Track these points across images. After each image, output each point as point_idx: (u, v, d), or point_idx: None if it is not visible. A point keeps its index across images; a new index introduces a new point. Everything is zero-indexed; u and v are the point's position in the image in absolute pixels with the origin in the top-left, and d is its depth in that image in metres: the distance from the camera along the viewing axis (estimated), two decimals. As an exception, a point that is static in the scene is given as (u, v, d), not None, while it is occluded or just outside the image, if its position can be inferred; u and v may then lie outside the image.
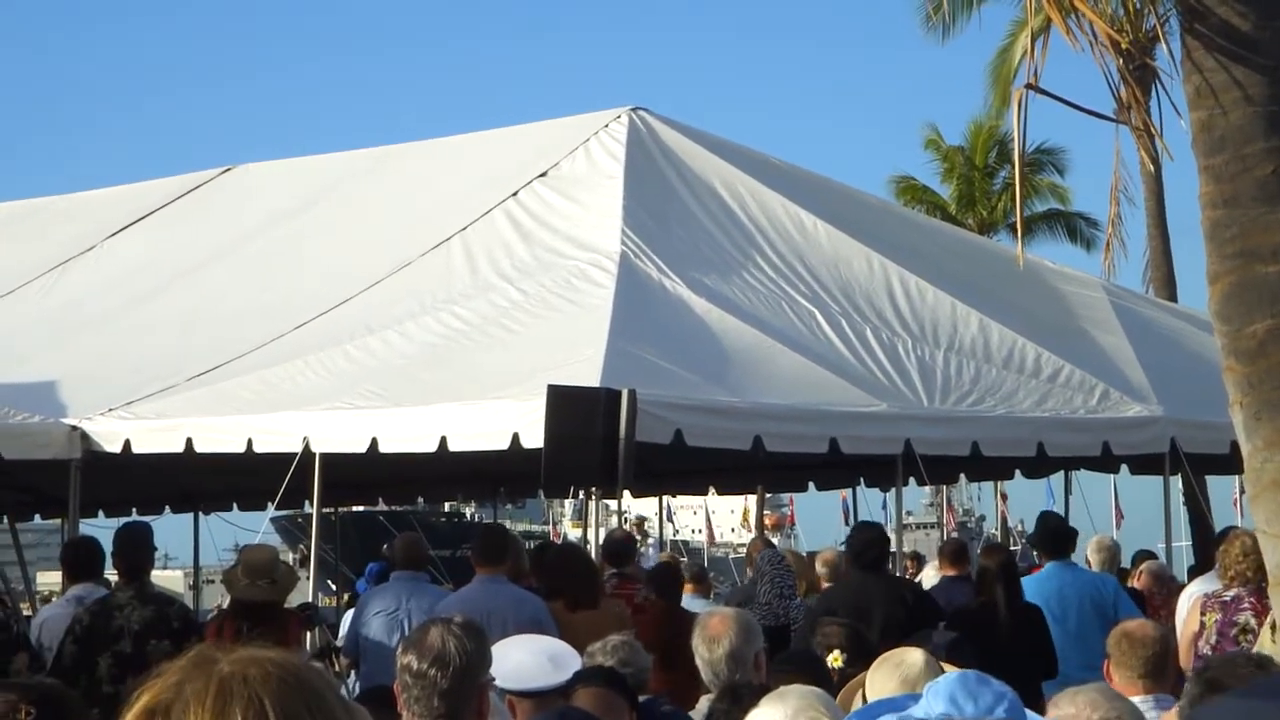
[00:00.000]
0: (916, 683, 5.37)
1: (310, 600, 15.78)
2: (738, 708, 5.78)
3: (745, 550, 17.63)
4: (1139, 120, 8.09)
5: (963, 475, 24.12)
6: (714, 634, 7.39)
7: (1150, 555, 18.08)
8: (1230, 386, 7.51)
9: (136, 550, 10.82)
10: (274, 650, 2.51)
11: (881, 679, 5.72)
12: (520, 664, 6.58)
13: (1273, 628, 9.16)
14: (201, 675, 2.41)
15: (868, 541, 12.25)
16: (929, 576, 18.47)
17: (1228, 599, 10.47)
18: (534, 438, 12.34)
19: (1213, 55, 7.52)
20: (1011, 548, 28.30)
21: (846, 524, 45.41)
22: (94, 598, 10.80)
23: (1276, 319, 7.38)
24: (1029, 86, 7.93)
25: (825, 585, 14.95)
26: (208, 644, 2.53)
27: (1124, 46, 7.84)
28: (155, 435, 14.89)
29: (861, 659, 6.48)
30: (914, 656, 5.78)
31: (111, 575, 11.74)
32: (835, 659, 8.13)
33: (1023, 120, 7.99)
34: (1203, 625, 10.51)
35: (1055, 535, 13.28)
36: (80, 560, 11.64)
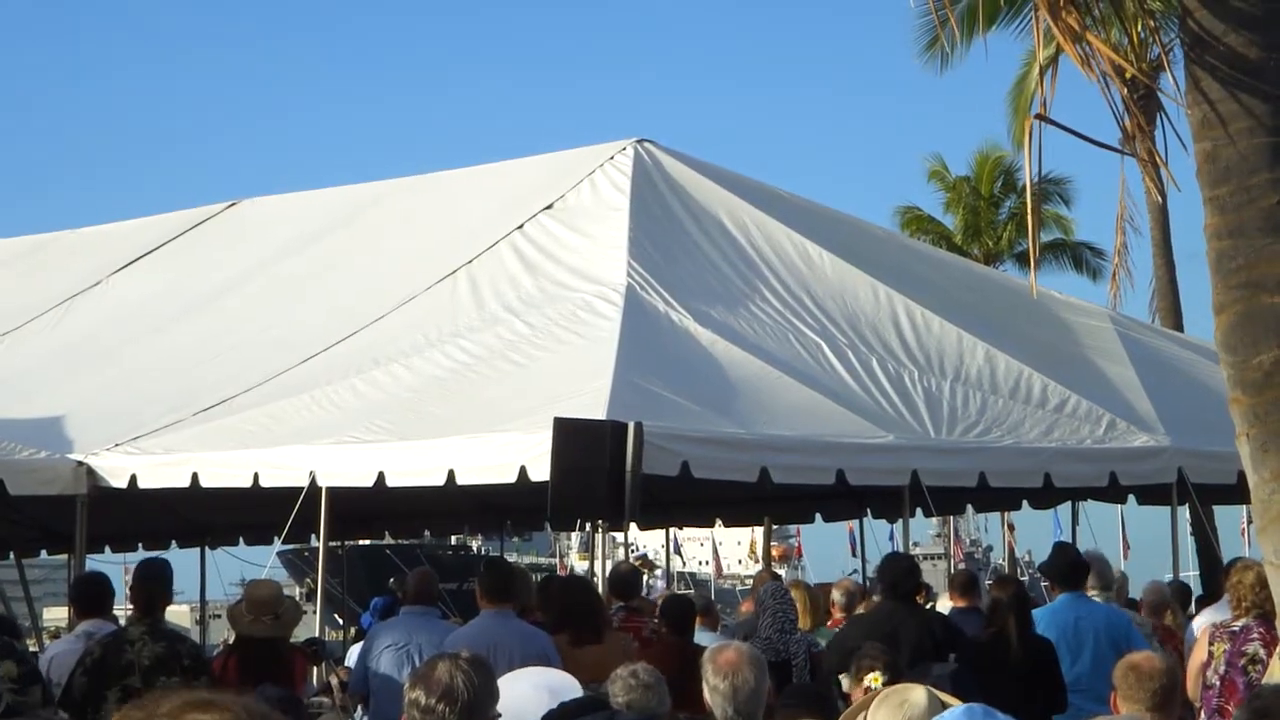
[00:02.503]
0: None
1: (317, 635, 15.72)
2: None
3: (752, 583, 17.57)
4: (1144, 150, 8.09)
5: (970, 506, 24.10)
6: (730, 667, 7.34)
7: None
8: (1237, 418, 7.49)
9: (157, 585, 10.81)
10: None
11: (884, 717, 5.68)
12: (519, 699, 6.55)
13: None
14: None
15: (905, 571, 12.25)
16: (941, 608, 18.39)
17: (1236, 629, 10.41)
18: (541, 470, 12.33)
19: (1219, 84, 7.50)
20: (1019, 578, 28.25)
21: (854, 555, 45.34)
22: (104, 633, 10.78)
23: (1283, 349, 7.36)
24: (1039, 117, 7.93)
25: (840, 615, 14.87)
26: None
27: (1129, 75, 7.84)
28: (161, 470, 14.89)
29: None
30: (917, 695, 5.73)
31: (119, 612, 11.70)
32: (875, 679, 8.10)
33: (1034, 150, 7.98)
34: (1211, 655, 10.46)
35: (1072, 567, 13.19)
36: (90, 596, 11.59)
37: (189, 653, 10.62)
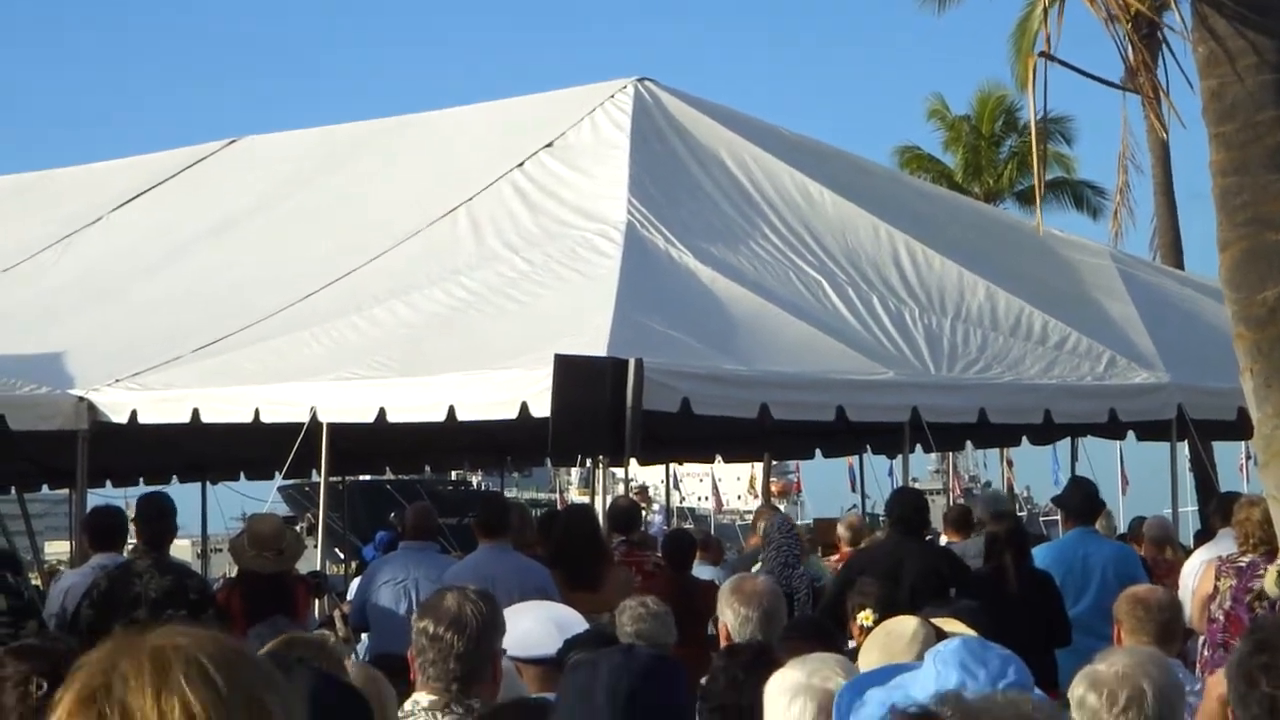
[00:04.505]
0: (897, 656, 5.35)
1: (319, 569, 15.78)
2: (735, 663, 5.79)
3: (752, 518, 17.63)
4: (1148, 86, 8.07)
5: (969, 442, 24.13)
6: (759, 595, 7.44)
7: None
8: (1240, 354, 7.49)
9: (161, 520, 10.87)
10: (201, 629, 2.48)
11: (870, 649, 5.71)
12: (528, 632, 6.60)
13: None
14: (131, 651, 2.38)
15: (916, 507, 12.30)
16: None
17: (1243, 565, 10.43)
18: (542, 407, 12.36)
19: (1226, 20, 7.48)
20: (1016, 513, 28.28)
21: (853, 491, 45.43)
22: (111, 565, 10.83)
23: (1287, 286, 7.35)
24: (1042, 54, 7.92)
25: (846, 549, 14.91)
26: (126, 630, 2.49)
27: (1133, 10, 7.81)
28: (162, 406, 14.92)
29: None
30: (902, 626, 5.73)
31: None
32: (866, 617, 8.13)
33: (1038, 89, 7.96)
34: (1217, 589, 10.48)
35: (1088, 500, 13.18)
36: (104, 529, 11.52)
37: (196, 587, 10.69)
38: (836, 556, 14.97)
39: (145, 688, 2.34)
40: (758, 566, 14.27)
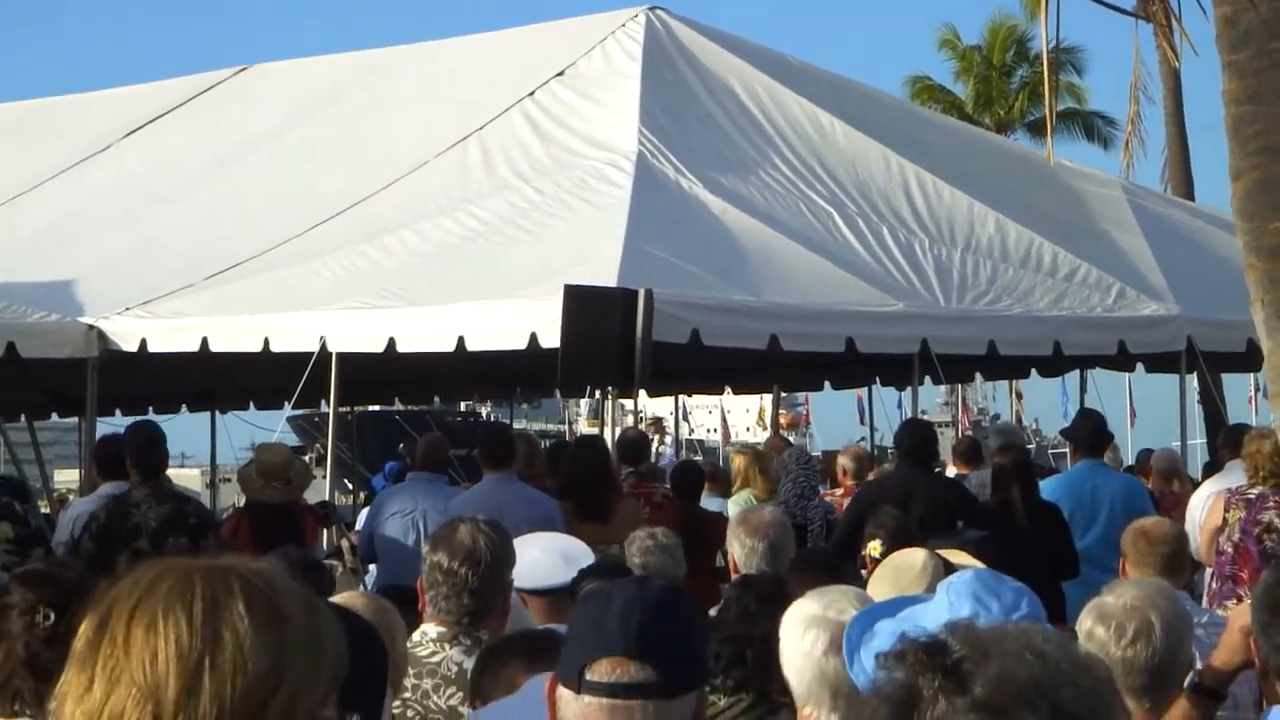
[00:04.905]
0: (907, 589, 5.35)
1: (327, 499, 15.82)
2: (748, 594, 5.81)
3: (761, 449, 17.62)
4: (1160, 12, 8.02)
5: (978, 374, 24.14)
6: (765, 527, 7.47)
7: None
8: (1251, 284, 7.46)
9: (152, 448, 10.78)
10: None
11: (879, 582, 5.71)
12: (535, 562, 6.60)
13: None
14: (145, 569, 2.37)
15: (925, 438, 12.28)
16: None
17: (1252, 497, 10.43)
18: (551, 337, 12.35)
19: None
20: (1023, 445, 28.29)
21: (862, 423, 45.44)
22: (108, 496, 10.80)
23: (1299, 216, 7.32)
24: (1056, -19, 7.87)
25: (850, 482, 14.90)
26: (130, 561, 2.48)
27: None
28: (171, 334, 14.92)
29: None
30: (911, 559, 5.73)
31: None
32: (874, 548, 8.14)
33: (1050, 18, 7.92)
34: (1225, 521, 10.48)
35: (1097, 432, 13.17)
36: (114, 458, 11.47)
37: (194, 512, 10.66)
38: (841, 491, 14.95)
39: (125, 607, 2.32)
40: (744, 492, 14.28)
